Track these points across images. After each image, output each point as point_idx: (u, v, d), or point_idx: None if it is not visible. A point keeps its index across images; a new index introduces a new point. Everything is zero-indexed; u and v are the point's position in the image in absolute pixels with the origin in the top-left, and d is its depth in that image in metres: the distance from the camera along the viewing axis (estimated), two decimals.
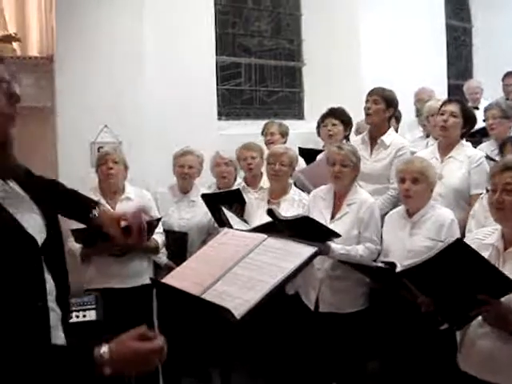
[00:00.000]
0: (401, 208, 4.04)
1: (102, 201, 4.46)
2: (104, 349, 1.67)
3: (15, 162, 1.87)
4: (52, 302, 1.84)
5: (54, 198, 2.07)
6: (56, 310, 1.86)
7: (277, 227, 3.78)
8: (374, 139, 4.81)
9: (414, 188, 3.84)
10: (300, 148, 5.55)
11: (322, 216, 4.05)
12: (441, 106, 4.60)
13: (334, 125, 5.39)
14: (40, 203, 1.90)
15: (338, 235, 3.82)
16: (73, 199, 2.33)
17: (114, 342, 1.69)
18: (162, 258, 4.67)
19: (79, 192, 2.41)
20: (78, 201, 2.34)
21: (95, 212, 2.27)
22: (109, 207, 4.43)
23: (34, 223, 1.82)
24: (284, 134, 5.79)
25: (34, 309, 1.75)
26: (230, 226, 4.27)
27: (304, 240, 2.96)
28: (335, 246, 3.89)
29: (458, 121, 4.44)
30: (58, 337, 1.87)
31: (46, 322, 1.80)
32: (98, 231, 2.30)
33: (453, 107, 4.46)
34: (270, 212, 3.89)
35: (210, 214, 4.66)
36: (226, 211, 4.34)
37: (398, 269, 3.24)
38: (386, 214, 4.23)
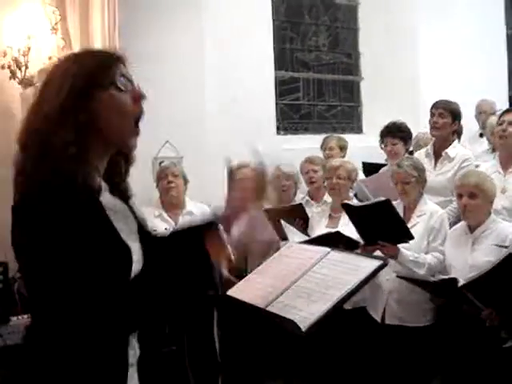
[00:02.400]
0: (462, 223, 3.98)
1: (164, 215, 4.55)
2: None
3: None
4: (133, 338, 1.78)
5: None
6: (136, 350, 1.81)
7: (333, 239, 3.79)
8: (438, 152, 4.77)
9: (471, 203, 3.79)
10: (363, 163, 5.53)
11: None
12: (500, 116, 4.52)
13: (394, 144, 5.34)
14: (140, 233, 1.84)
15: (411, 237, 3.80)
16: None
17: None
18: (223, 270, 4.71)
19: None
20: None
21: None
22: (172, 221, 4.52)
23: (135, 249, 1.74)
24: (343, 148, 5.77)
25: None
26: (284, 239, 4.31)
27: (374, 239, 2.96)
28: (405, 251, 3.87)
29: None
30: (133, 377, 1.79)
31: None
32: None
33: (511, 116, 4.38)
34: (346, 206, 3.90)
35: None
36: (284, 224, 4.36)
37: (460, 283, 3.21)
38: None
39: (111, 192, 1.77)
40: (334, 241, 3.66)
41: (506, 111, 4.56)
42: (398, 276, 3.83)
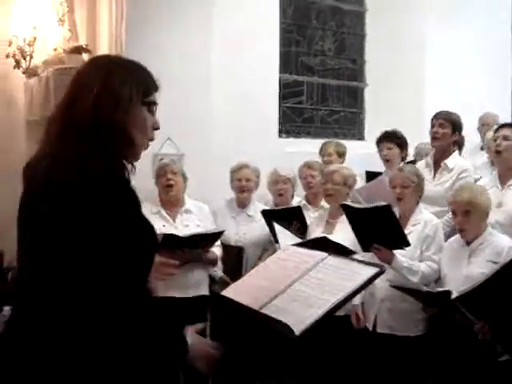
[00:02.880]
0: (459, 236, 3.99)
1: (163, 212, 4.54)
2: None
3: None
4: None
5: None
6: None
7: (321, 244, 3.78)
8: (437, 163, 4.79)
9: (465, 220, 3.79)
10: (367, 171, 5.54)
11: None
12: (495, 131, 4.52)
13: (389, 149, 5.37)
14: None
15: (408, 243, 3.80)
16: None
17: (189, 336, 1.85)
18: (218, 271, 4.71)
19: None
20: None
21: None
22: (170, 218, 4.52)
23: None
24: (341, 154, 5.74)
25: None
26: (277, 242, 4.30)
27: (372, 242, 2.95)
28: (399, 257, 3.86)
29: None
30: None
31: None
32: None
33: (506, 131, 4.36)
34: (345, 206, 3.90)
35: (266, 230, 4.68)
36: (277, 226, 4.35)
37: (453, 295, 3.20)
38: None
39: None
40: (322, 246, 3.65)
41: (501, 126, 4.55)
42: (391, 285, 3.83)
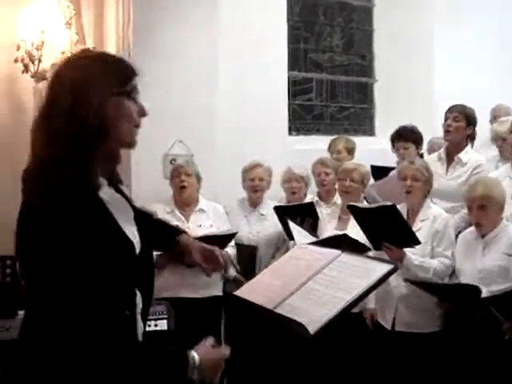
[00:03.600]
0: (473, 228, 3.96)
1: (177, 212, 4.56)
2: (193, 354, 1.76)
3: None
4: (138, 315, 1.87)
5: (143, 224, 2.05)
6: (140, 324, 1.89)
7: (340, 241, 3.76)
8: (450, 156, 4.73)
9: (481, 214, 3.76)
10: (372, 166, 5.50)
11: None
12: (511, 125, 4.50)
13: (405, 148, 5.28)
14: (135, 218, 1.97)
15: (418, 242, 3.77)
16: (159, 226, 2.31)
17: (200, 349, 1.80)
18: (231, 271, 4.69)
19: (164, 220, 2.46)
20: (163, 227, 2.33)
21: (180, 238, 2.25)
22: (183, 218, 4.52)
23: (133, 234, 1.87)
24: (351, 151, 5.70)
25: (123, 317, 1.78)
26: (292, 239, 4.28)
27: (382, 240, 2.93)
28: (410, 255, 3.83)
29: None
30: None
31: (133, 331, 1.84)
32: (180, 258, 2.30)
33: None
34: (352, 207, 3.88)
35: (279, 228, 4.66)
36: (291, 224, 4.34)
37: (484, 294, 3.18)
38: (459, 232, 4.16)
39: (108, 183, 1.90)
40: (341, 243, 3.63)
41: None
42: (405, 279, 3.80)
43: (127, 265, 1.80)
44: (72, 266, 1.65)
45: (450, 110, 4.81)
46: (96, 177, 1.79)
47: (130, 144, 1.90)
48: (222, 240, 4.31)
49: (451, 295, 3.66)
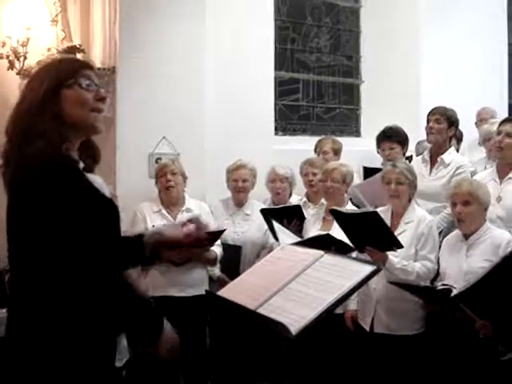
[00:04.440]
0: (457, 231, 3.97)
1: (163, 211, 4.55)
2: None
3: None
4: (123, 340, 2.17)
5: None
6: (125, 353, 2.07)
7: (324, 241, 3.76)
8: (434, 158, 4.78)
9: (465, 210, 3.78)
10: (364, 167, 5.50)
11: None
12: (498, 126, 4.50)
13: (391, 149, 5.33)
14: None
15: (400, 246, 3.77)
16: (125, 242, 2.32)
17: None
18: (216, 270, 4.69)
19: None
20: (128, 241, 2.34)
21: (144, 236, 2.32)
22: (170, 217, 4.51)
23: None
24: (337, 151, 5.71)
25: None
26: (277, 240, 4.28)
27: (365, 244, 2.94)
28: (393, 258, 3.84)
29: None
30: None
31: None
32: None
33: (509, 127, 4.34)
34: (334, 211, 3.87)
35: (263, 228, 4.66)
36: (276, 225, 4.33)
37: (454, 292, 3.18)
38: (441, 232, 4.19)
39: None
40: (325, 243, 3.64)
41: (504, 121, 4.52)
42: (389, 282, 3.80)
43: (115, 225, 2.08)
44: (63, 231, 1.86)
45: (432, 112, 4.86)
46: (68, 151, 2.03)
47: (92, 127, 2.12)
48: (210, 237, 4.30)
49: (431, 297, 3.66)
